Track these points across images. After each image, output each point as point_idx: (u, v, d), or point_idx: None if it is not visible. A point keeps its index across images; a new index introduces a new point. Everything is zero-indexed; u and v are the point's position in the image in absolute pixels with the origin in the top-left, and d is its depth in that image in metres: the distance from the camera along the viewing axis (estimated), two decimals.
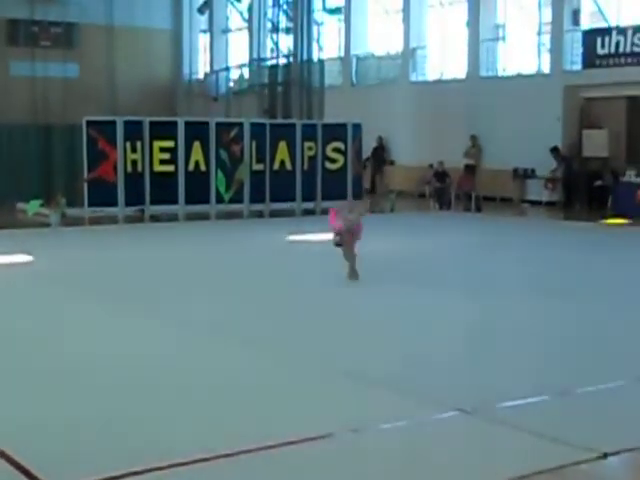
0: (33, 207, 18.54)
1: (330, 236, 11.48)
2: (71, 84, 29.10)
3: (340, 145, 21.41)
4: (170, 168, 19.41)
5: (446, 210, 22.46)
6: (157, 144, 19.28)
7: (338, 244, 11.29)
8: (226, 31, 36.13)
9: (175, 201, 19.47)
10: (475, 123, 25.34)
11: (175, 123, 19.89)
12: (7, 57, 31.24)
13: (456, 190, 23.06)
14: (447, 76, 27.55)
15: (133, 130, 19.09)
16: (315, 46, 25.35)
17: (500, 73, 25.98)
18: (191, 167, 19.58)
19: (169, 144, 19.38)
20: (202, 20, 35.91)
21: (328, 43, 29.86)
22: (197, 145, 19.59)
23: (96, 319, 9.34)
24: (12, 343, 8.27)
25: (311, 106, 24.03)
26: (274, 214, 20.55)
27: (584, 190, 22.72)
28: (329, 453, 5.45)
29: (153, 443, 5.53)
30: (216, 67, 35.40)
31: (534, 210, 22.78)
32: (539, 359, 7.67)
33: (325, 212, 14.02)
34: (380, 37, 29.92)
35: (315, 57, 25.07)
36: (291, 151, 20.69)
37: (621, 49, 22.25)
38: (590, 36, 23.03)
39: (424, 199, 24.07)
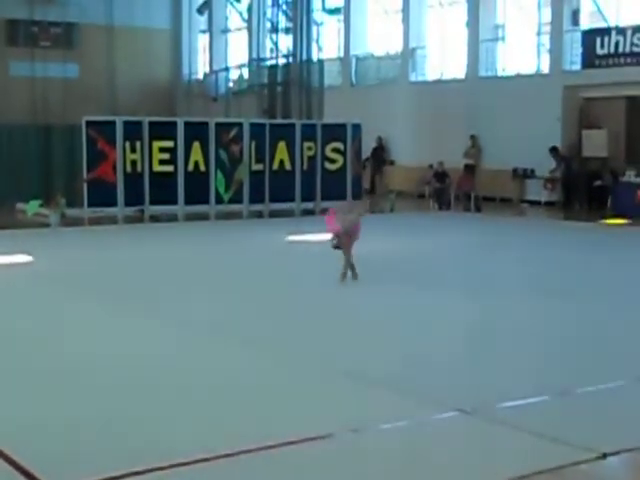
0: (33, 207, 18.54)
1: (329, 237, 11.49)
2: (71, 84, 29.10)
3: (339, 145, 21.41)
4: (169, 168, 19.41)
5: (446, 210, 22.45)
6: (156, 144, 19.28)
7: (336, 247, 11.30)
8: (225, 31, 36.11)
9: (175, 201, 19.47)
10: (475, 123, 25.33)
11: (174, 123, 19.89)
12: (7, 57, 31.25)
13: (456, 190, 23.05)
14: (447, 76, 27.52)
15: (132, 130, 19.09)
16: (314, 46, 25.37)
17: (500, 73, 25.95)
18: (190, 167, 19.58)
19: (168, 144, 19.39)
20: (201, 20, 35.88)
21: (328, 43, 29.84)
22: (196, 145, 19.60)
23: (96, 319, 9.35)
24: (12, 343, 8.28)
25: (310, 106, 24.04)
26: (273, 214, 20.55)
27: (584, 190, 22.71)
28: (329, 453, 5.46)
29: (153, 443, 5.53)
30: (215, 67, 35.39)
31: (533, 210, 22.77)
32: (539, 359, 7.67)
33: (325, 212, 13.99)
34: (380, 37, 29.88)
35: (315, 57, 25.09)
36: (290, 151, 20.69)
37: (620, 49, 22.23)
38: (589, 36, 23.01)
39: (424, 199, 24.07)
